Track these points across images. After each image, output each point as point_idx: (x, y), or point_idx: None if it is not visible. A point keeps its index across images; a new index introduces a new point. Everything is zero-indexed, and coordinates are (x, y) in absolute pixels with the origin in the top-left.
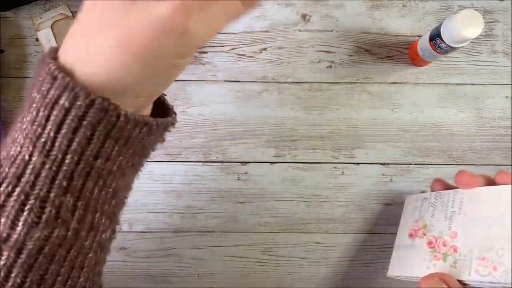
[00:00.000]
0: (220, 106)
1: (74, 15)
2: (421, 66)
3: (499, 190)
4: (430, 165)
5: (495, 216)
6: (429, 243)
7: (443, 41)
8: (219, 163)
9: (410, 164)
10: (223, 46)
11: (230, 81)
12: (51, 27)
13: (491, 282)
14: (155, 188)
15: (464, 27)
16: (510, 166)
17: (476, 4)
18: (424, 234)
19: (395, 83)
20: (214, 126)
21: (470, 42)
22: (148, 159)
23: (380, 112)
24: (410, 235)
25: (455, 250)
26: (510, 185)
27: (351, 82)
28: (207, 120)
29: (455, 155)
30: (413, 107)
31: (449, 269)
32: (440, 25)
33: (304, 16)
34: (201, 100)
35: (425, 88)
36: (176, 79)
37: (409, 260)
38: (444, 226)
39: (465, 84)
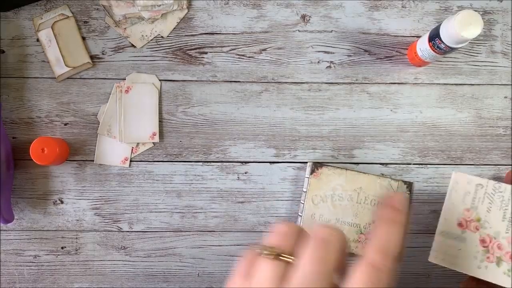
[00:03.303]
0: (220, 106)
1: (74, 15)
2: (420, 66)
3: None
4: (429, 165)
5: None
6: (482, 241)
7: (442, 41)
8: (219, 163)
9: (409, 164)
10: (223, 47)
11: (230, 81)
12: (52, 27)
13: None
14: (155, 188)
15: (463, 27)
16: (509, 166)
17: (475, 4)
18: (477, 229)
19: (394, 83)
20: (214, 126)
21: (469, 42)
22: (149, 159)
23: (379, 112)
24: (460, 225)
25: (511, 258)
26: None
27: (350, 83)
28: (207, 120)
29: (454, 155)
30: (412, 107)
31: (502, 275)
32: (439, 25)
33: (303, 17)
34: (201, 100)
35: (424, 88)
36: (176, 79)
37: (458, 253)
38: (501, 227)
39: (464, 84)
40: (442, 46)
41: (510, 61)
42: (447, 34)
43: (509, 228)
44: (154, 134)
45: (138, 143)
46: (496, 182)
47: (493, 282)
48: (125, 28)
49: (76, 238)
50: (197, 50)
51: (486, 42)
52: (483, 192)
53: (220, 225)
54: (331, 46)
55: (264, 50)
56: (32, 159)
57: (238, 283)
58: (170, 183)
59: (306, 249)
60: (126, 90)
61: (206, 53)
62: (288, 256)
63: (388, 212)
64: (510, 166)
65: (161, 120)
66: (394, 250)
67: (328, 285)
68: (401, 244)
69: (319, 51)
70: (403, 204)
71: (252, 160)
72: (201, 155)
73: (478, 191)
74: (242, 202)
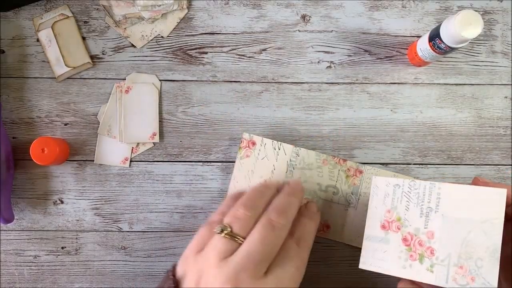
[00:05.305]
0: (220, 106)
1: (74, 15)
2: (420, 66)
3: (483, 192)
4: (429, 165)
5: (477, 221)
6: (405, 239)
7: (442, 41)
8: (219, 163)
9: (410, 164)
10: (223, 47)
11: (230, 81)
12: (52, 27)
13: None
14: (155, 188)
15: (463, 27)
16: (509, 166)
17: (475, 4)
18: (399, 229)
19: (394, 83)
20: (214, 126)
21: (469, 42)
22: (149, 159)
23: (379, 112)
24: (383, 227)
25: (432, 253)
26: (498, 189)
27: (350, 83)
28: (207, 120)
29: (454, 155)
30: (412, 107)
31: (425, 272)
32: (440, 25)
33: (304, 17)
34: (201, 100)
35: (424, 88)
36: (176, 79)
37: (383, 255)
38: (420, 223)
39: (464, 84)
40: (442, 46)
41: (510, 61)
42: (447, 34)
43: (427, 223)
44: (154, 134)
45: (138, 143)
46: (411, 180)
47: (418, 280)
48: (125, 28)
49: (76, 238)
50: (197, 50)
51: (486, 42)
52: (400, 191)
53: None
54: (331, 46)
55: (264, 50)
56: (32, 159)
57: (190, 253)
58: (170, 183)
59: (255, 230)
60: (126, 90)
61: (206, 53)
62: (239, 238)
63: (288, 187)
64: (510, 166)
65: (161, 120)
66: (288, 211)
67: (265, 264)
68: (295, 212)
69: (319, 51)
70: (300, 187)
71: None
72: (201, 155)
73: (396, 191)
74: None
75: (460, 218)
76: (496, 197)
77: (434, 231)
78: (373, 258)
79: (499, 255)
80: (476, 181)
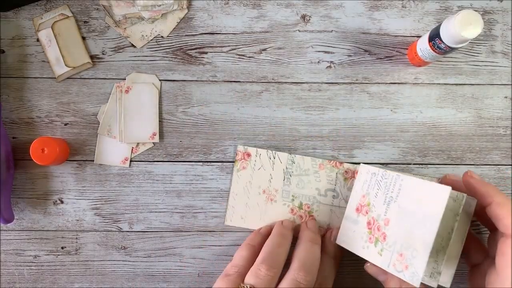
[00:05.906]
0: (220, 106)
1: (74, 15)
2: (420, 66)
3: (432, 187)
4: (429, 165)
5: (421, 214)
6: (368, 223)
7: (442, 41)
8: (219, 163)
9: (410, 164)
10: (223, 47)
11: (230, 81)
12: (52, 27)
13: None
14: (155, 188)
15: (463, 27)
16: (509, 166)
17: (475, 4)
18: (367, 213)
19: (394, 83)
20: (214, 126)
21: (469, 42)
22: (149, 159)
23: (379, 112)
24: (357, 210)
25: (384, 238)
26: (443, 186)
27: (350, 83)
28: (207, 120)
29: (454, 155)
30: (412, 107)
31: (376, 254)
32: (440, 25)
33: (303, 17)
34: (201, 100)
35: (424, 88)
36: (176, 79)
37: (353, 235)
38: (381, 210)
39: (464, 84)
40: (442, 46)
41: (510, 61)
42: (447, 34)
43: (386, 210)
44: (154, 134)
45: (138, 143)
46: (385, 170)
47: (370, 261)
48: (125, 28)
49: (76, 238)
50: (197, 50)
51: (486, 42)
52: (375, 179)
53: (220, 225)
54: (331, 46)
55: (264, 50)
56: (32, 159)
57: None
58: (170, 183)
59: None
60: (126, 90)
61: (206, 53)
62: None
63: (308, 233)
64: (510, 166)
65: (161, 120)
66: (313, 266)
67: None
68: (318, 259)
69: (319, 51)
70: (316, 228)
71: None
72: (201, 155)
73: (372, 179)
74: None
75: (410, 210)
76: (440, 193)
77: (390, 219)
78: (346, 236)
79: (431, 248)
80: (443, 179)
